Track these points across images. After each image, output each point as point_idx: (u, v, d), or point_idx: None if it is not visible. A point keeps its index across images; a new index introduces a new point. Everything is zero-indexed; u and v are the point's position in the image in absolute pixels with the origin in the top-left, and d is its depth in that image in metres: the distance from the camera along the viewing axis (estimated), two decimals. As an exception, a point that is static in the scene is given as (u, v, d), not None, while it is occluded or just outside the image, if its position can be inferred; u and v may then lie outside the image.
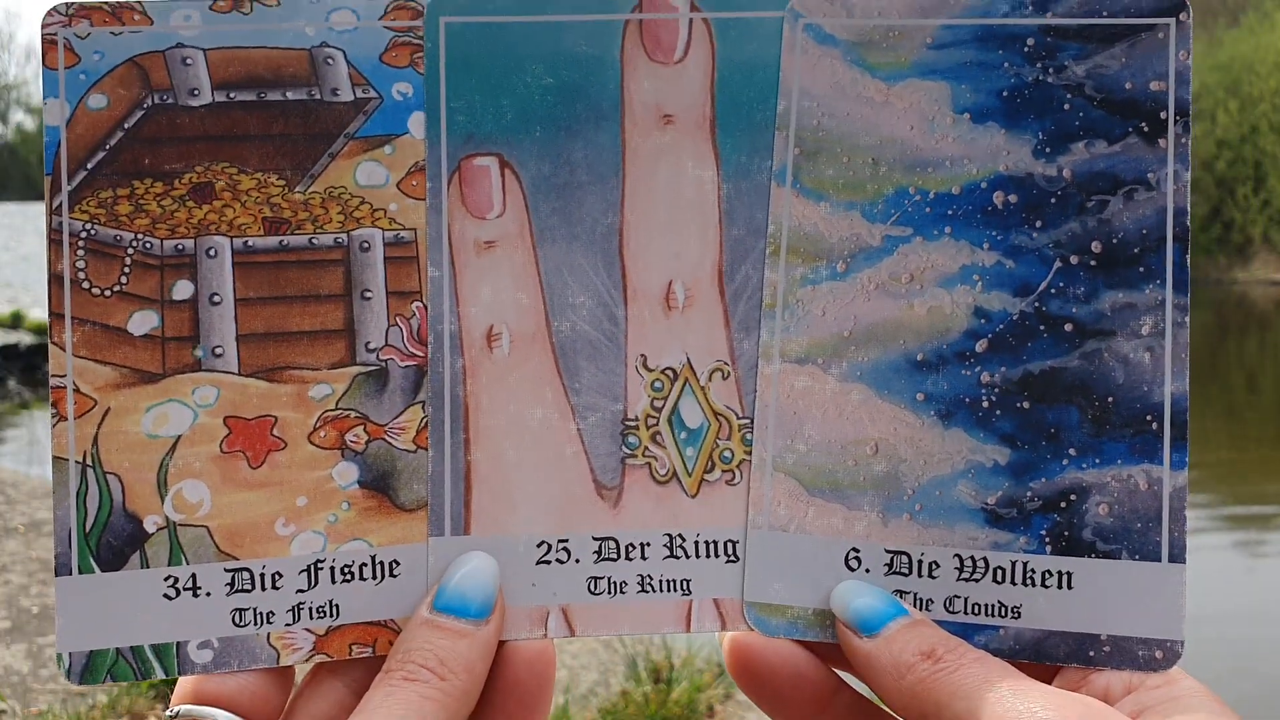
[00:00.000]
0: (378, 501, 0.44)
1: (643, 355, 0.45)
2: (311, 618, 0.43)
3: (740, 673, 0.44)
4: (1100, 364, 0.43)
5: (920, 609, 0.43)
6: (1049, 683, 0.41)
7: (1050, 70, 0.43)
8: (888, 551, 0.43)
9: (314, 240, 0.44)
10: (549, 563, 0.44)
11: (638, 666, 2.85)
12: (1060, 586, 0.42)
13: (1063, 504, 0.43)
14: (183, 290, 0.43)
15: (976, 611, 0.43)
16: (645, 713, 2.65)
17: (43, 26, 0.43)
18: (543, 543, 0.44)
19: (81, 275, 0.43)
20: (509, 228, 0.44)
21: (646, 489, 0.44)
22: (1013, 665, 0.40)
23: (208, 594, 0.43)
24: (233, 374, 0.43)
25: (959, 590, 0.43)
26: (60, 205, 0.43)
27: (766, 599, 0.44)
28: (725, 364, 0.45)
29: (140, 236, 0.43)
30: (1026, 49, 0.43)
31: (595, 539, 0.44)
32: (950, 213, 0.44)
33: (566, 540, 0.44)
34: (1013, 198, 0.44)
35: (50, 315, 0.43)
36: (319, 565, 0.43)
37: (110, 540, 0.42)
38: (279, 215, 0.44)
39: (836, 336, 0.44)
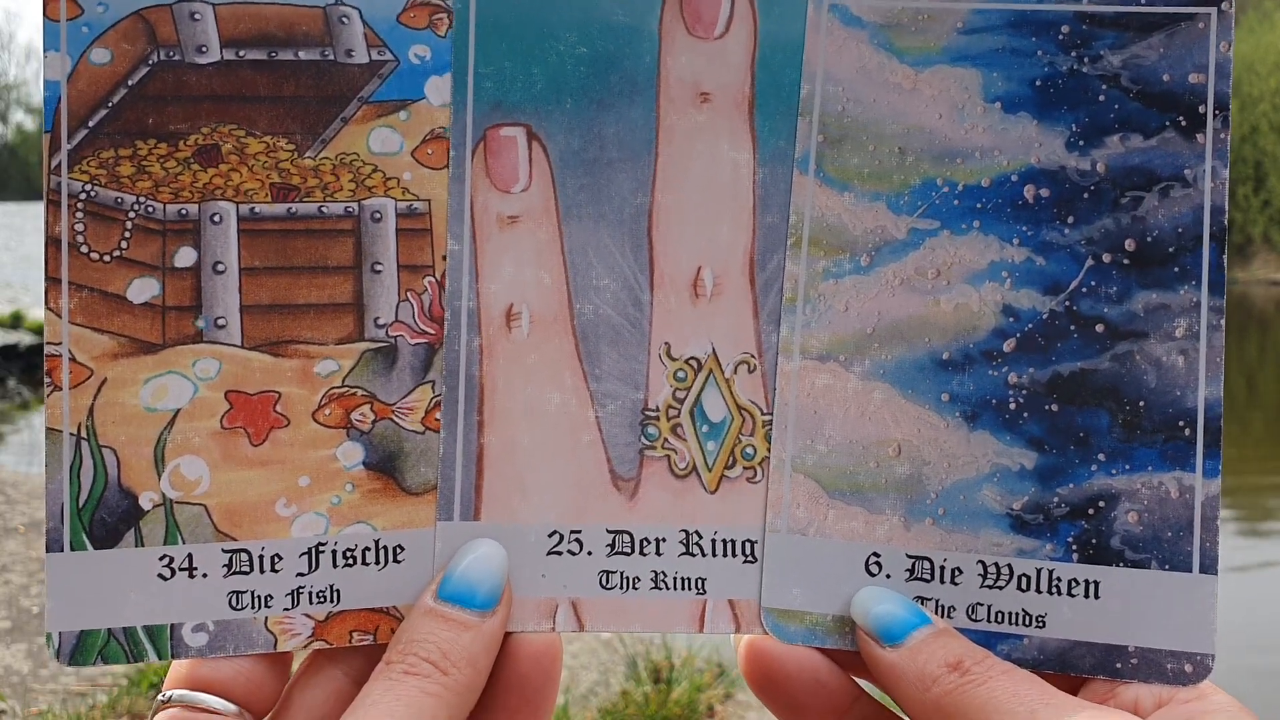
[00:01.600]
0: (383, 484, 0.42)
1: (667, 343, 0.43)
2: (311, 602, 0.41)
3: (756, 679, 0.42)
4: (1132, 366, 0.41)
5: (942, 616, 0.41)
6: (1074, 695, 0.40)
7: (1085, 59, 0.42)
8: (909, 556, 0.42)
9: (323, 209, 0.42)
10: (560, 554, 0.43)
11: (638, 666, 2.84)
12: (1087, 596, 0.41)
13: (1091, 511, 0.41)
14: (185, 257, 0.42)
15: (1000, 620, 0.41)
16: (645, 713, 2.64)
17: None
18: (554, 532, 0.43)
19: (80, 239, 0.41)
20: (534, 203, 0.43)
21: (664, 482, 0.43)
22: (1038, 677, 0.39)
23: (204, 575, 0.41)
24: (235, 346, 0.42)
25: (982, 598, 0.42)
26: (59, 165, 0.41)
27: (785, 605, 0.42)
28: (752, 356, 0.43)
29: (142, 200, 0.41)
30: (1061, 36, 0.42)
31: (609, 531, 0.43)
32: (979, 206, 0.42)
33: (580, 531, 0.43)
34: (1044, 192, 0.42)
35: (46, 280, 0.41)
36: (320, 548, 0.41)
37: (104, 516, 0.41)
38: (287, 181, 0.42)
39: (859, 333, 0.43)
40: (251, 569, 0.41)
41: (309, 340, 0.42)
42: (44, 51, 0.41)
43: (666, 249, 0.43)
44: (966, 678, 0.37)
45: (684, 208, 0.43)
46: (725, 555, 0.43)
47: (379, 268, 0.42)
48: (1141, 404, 0.41)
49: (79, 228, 0.41)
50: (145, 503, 0.41)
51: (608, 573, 0.42)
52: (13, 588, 4.02)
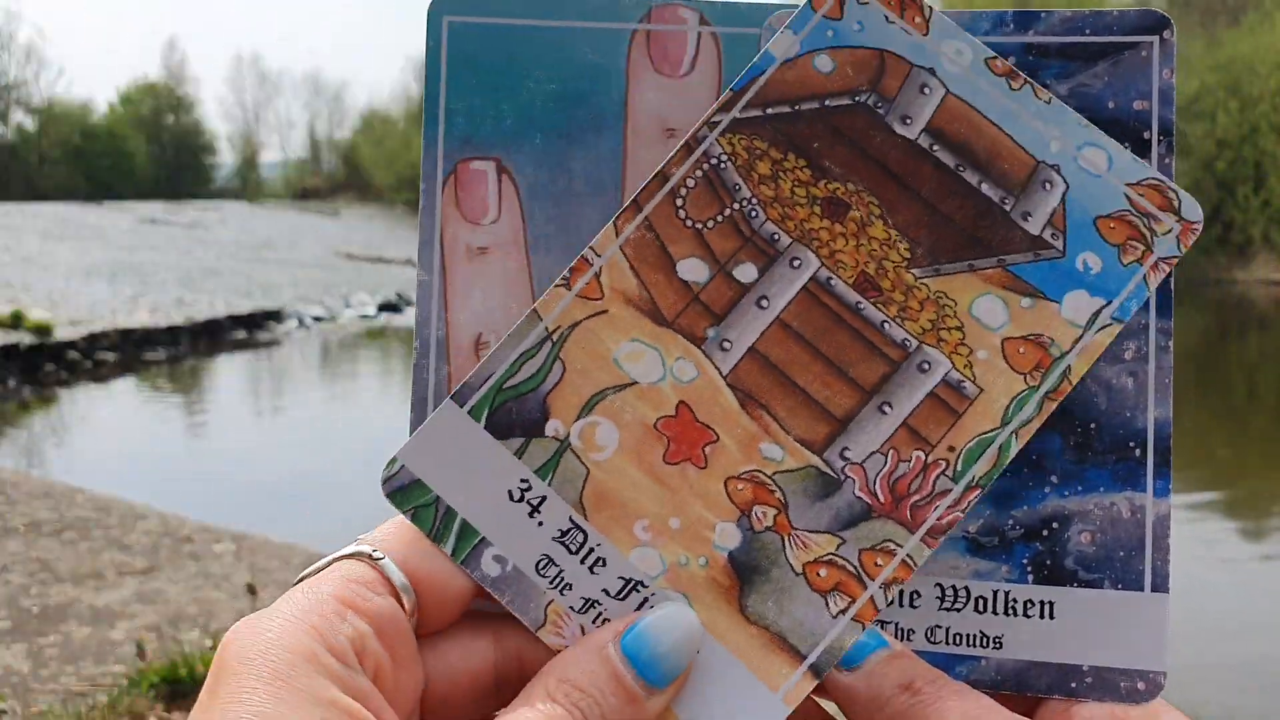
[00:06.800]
0: (730, 583, 0.39)
1: None
2: (594, 623, 0.39)
3: None
4: (1082, 390, 0.41)
5: (901, 639, 0.41)
6: (1031, 715, 0.40)
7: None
8: None
9: (886, 326, 0.40)
10: None
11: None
12: (1042, 616, 0.41)
13: (1045, 532, 0.41)
14: (745, 273, 0.40)
15: (958, 642, 0.41)
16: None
17: None
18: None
19: (683, 191, 0.41)
20: (503, 234, 0.43)
21: None
22: (995, 696, 0.39)
23: (540, 524, 0.40)
24: (720, 373, 0.40)
25: (940, 620, 0.41)
26: (718, 122, 0.41)
27: None
28: None
29: (753, 201, 0.41)
30: None
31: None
32: None
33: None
34: None
35: (630, 200, 0.41)
36: (637, 587, 0.39)
37: (512, 410, 0.40)
38: (877, 280, 0.40)
39: None
40: (576, 552, 0.40)
41: (778, 418, 0.40)
42: (785, 26, 0.41)
43: None
44: (918, 698, 0.37)
45: None
46: None
47: (887, 409, 0.39)
48: (1093, 426, 0.41)
49: (689, 183, 0.41)
50: (549, 429, 0.40)
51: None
52: (13, 588, 4.08)
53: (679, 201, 0.41)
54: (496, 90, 0.43)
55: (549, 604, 0.40)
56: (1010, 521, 0.41)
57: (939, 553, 0.41)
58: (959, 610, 0.41)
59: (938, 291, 0.40)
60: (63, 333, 10.71)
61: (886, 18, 0.40)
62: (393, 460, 0.40)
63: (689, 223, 0.41)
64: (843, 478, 0.39)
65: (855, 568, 0.39)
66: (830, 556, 0.39)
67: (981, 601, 0.41)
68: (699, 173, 0.41)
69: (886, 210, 0.40)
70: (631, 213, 0.41)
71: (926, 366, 0.39)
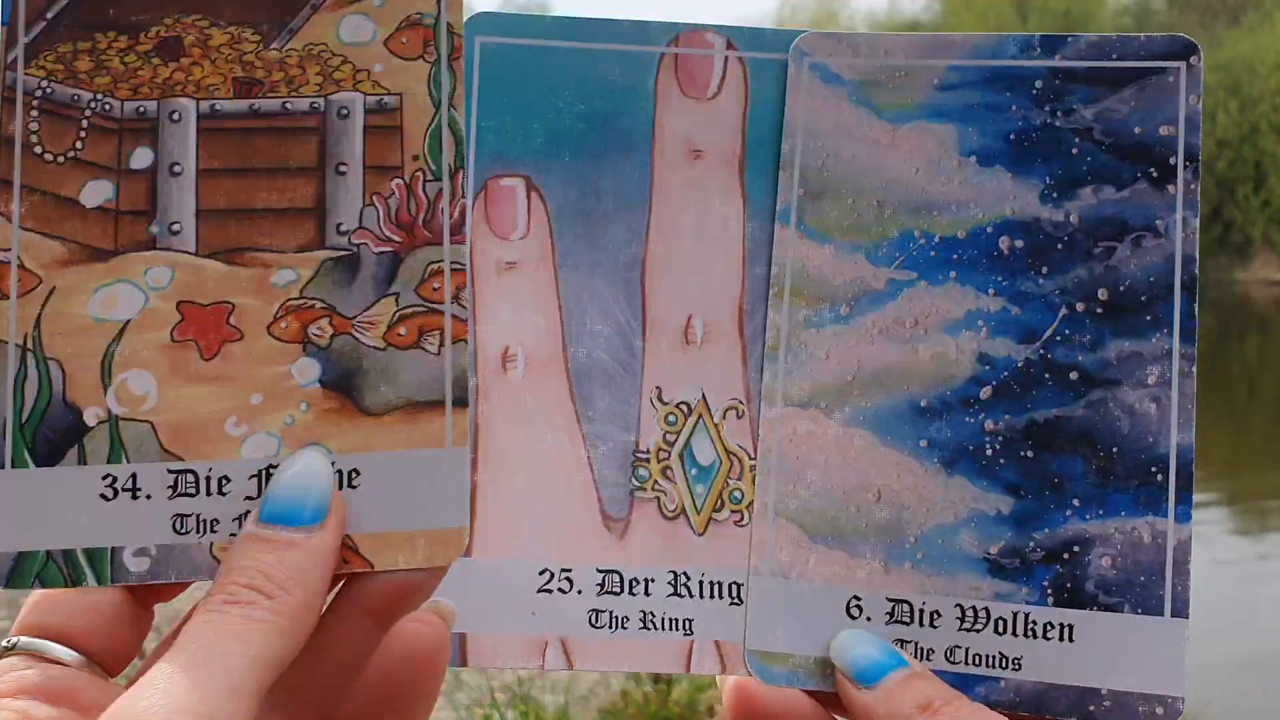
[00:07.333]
0: (339, 403, 0.39)
1: (658, 387, 0.44)
2: None
3: (741, 718, 0.43)
4: (1106, 414, 0.42)
5: (921, 659, 0.42)
6: None
7: (1058, 113, 0.43)
8: (889, 600, 0.42)
9: (288, 105, 0.39)
10: (550, 591, 0.43)
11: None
12: (1062, 639, 0.41)
13: (1066, 555, 0.42)
14: (141, 158, 0.39)
15: (977, 662, 0.42)
16: (645, 713, 2.61)
17: None
18: (545, 570, 0.43)
19: (34, 138, 0.38)
20: (532, 250, 0.44)
21: (654, 524, 0.44)
22: (1013, 718, 0.40)
23: (148, 496, 0.38)
24: (189, 254, 0.39)
25: (960, 640, 0.42)
26: (15, 60, 0.38)
27: (767, 646, 0.43)
28: (740, 402, 0.44)
29: (100, 96, 0.38)
30: (1035, 91, 0.43)
31: (599, 571, 0.43)
32: (955, 257, 0.43)
33: (570, 570, 0.43)
34: (1019, 243, 0.43)
35: None
36: (267, 472, 0.38)
37: (47, 433, 0.38)
38: (251, 75, 0.39)
39: (840, 381, 0.43)
40: (198, 491, 0.38)
41: (267, 248, 0.39)
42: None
43: (659, 297, 0.44)
44: (935, 719, 0.38)
45: (676, 258, 0.44)
46: (712, 597, 0.43)
47: (343, 169, 0.39)
48: (1115, 450, 0.42)
49: (33, 127, 0.38)
50: (90, 419, 0.38)
51: (597, 611, 0.43)
52: (12, 594, 3.90)
53: (38, 150, 0.38)
54: (527, 110, 0.44)
55: (211, 548, 0.39)
56: (1031, 544, 0.42)
57: (959, 573, 0.42)
58: (979, 631, 0.42)
59: (305, 47, 0.39)
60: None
61: None
62: None
63: (61, 160, 0.38)
64: (354, 248, 0.39)
65: (423, 305, 0.39)
66: (397, 314, 0.39)
67: (1001, 623, 0.41)
68: (34, 113, 0.38)
69: (214, 17, 0.38)
70: (6, 194, 0.38)
71: (345, 111, 0.39)
